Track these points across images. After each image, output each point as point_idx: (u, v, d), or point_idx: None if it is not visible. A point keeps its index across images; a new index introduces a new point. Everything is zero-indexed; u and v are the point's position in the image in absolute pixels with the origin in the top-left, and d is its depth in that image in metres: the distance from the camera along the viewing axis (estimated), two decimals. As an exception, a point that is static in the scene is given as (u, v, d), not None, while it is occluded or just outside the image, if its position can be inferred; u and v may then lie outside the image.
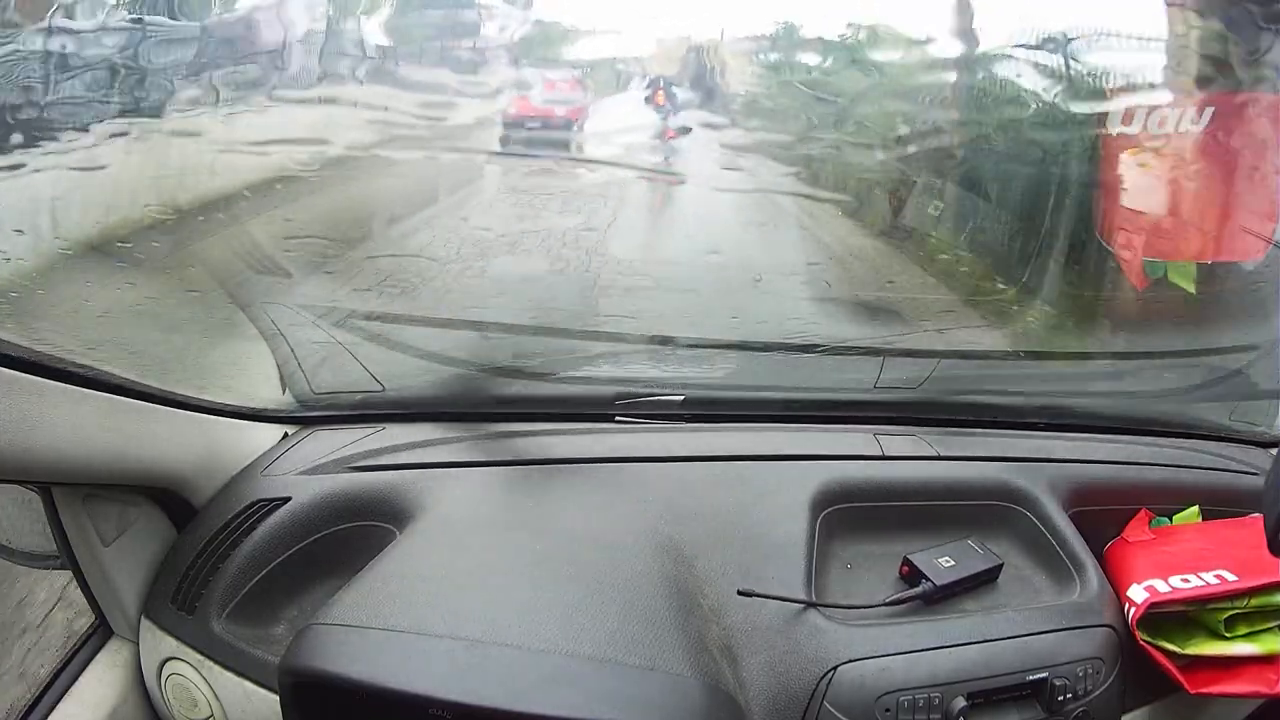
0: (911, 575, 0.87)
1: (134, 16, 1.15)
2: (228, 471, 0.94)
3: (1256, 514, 0.67)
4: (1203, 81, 1.31)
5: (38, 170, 1.02)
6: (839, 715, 0.75)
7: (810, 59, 1.39)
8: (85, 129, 1.09)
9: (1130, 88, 1.38)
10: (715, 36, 1.42)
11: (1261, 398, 1.22)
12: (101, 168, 1.10)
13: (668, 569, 0.82)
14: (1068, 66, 1.39)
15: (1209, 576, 0.84)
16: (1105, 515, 0.99)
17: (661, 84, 1.46)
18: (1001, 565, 0.89)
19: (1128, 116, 1.36)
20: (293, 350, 1.07)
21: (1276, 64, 1.24)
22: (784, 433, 1.08)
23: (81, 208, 1.07)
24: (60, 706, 0.84)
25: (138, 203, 1.11)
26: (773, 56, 1.43)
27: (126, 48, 1.12)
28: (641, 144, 1.51)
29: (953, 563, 0.87)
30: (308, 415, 1.05)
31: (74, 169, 1.07)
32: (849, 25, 1.33)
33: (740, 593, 0.79)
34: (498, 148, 1.53)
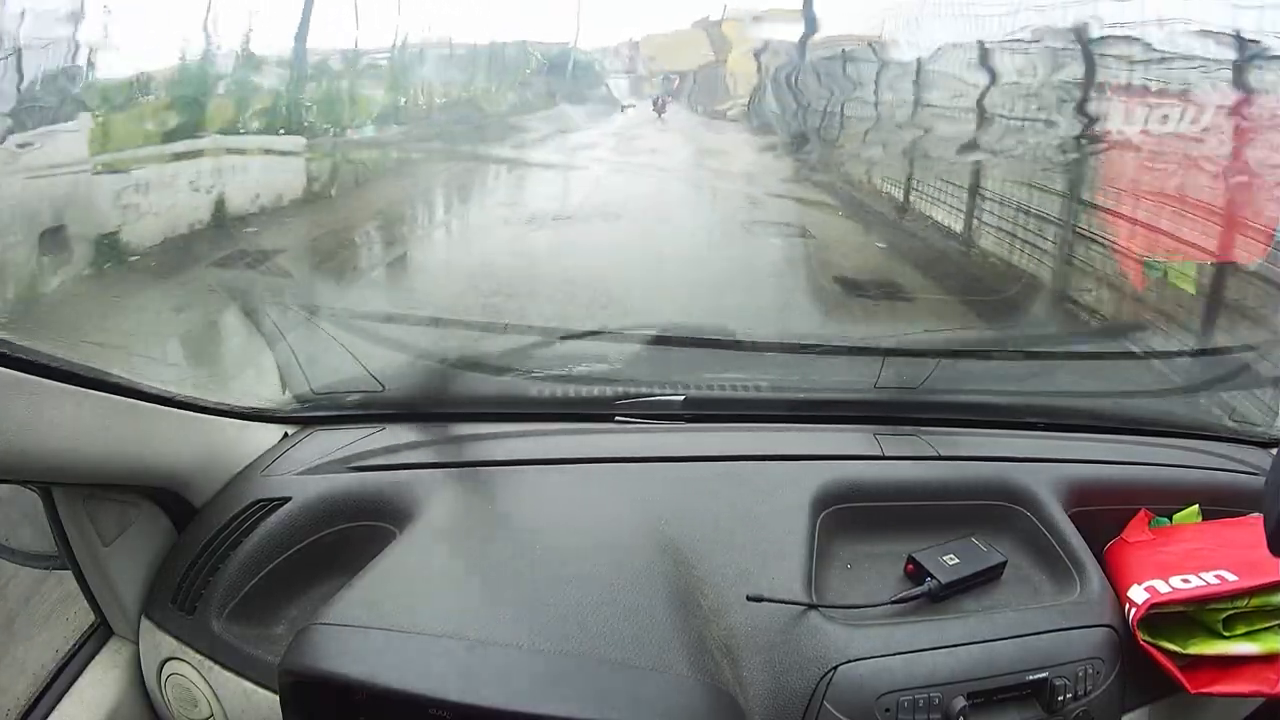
0: (916, 573, 0.87)
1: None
2: (228, 471, 0.94)
3: (1256, 514, 0.67)
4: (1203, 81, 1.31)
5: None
6: (839, 715, 0.74)
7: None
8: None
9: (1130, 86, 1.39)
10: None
11: (1261, 398, 1.22)
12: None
13: (668, 569, 0.82)
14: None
15: (1209, 577, 0.84)
16: (1105, 515, 0.98)
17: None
18: (1006, 562, 0.89)
19: (1128, 116, 1.36)
20: (293, 350, 1.07)
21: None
22: (784, 433, 1.08)
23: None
24: (60, 706, 0.84)
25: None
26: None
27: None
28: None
29: (957, 560, 0.87)
30: (308, 415, 1.05)
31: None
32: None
33: (749, 598, 0.79)
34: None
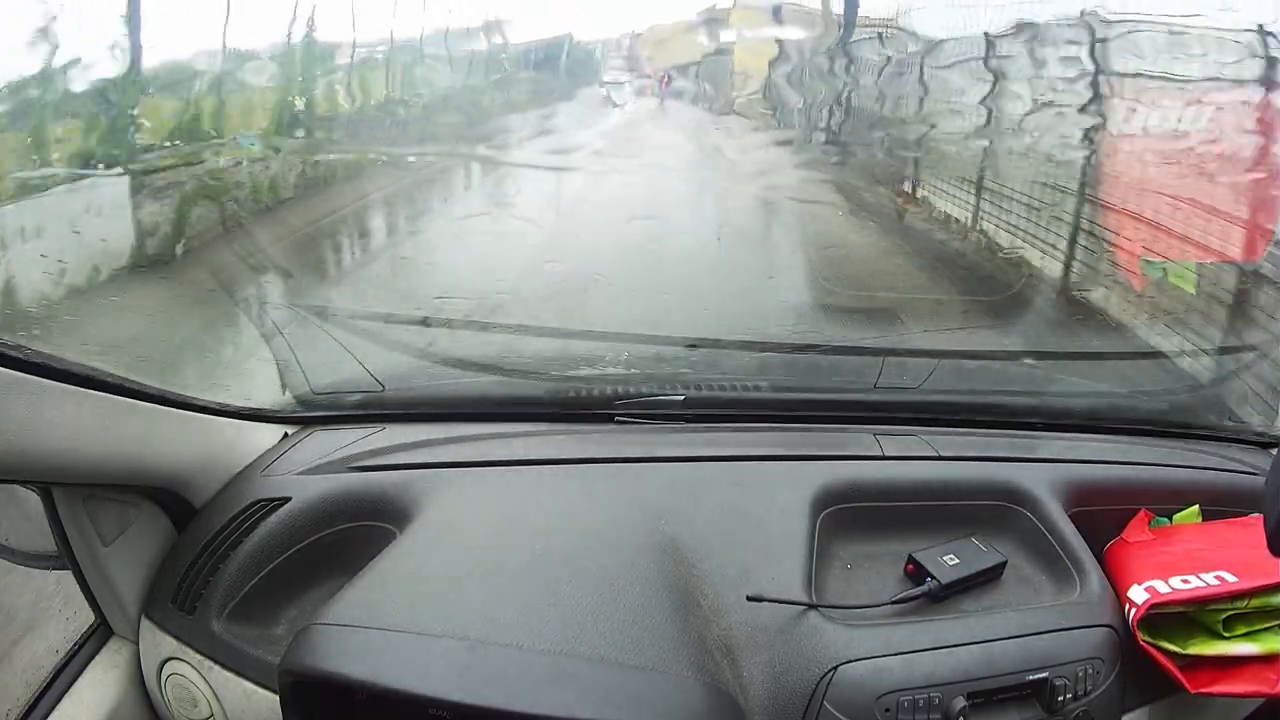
0: (916, 573, 0.87)
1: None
2: (228, 471, 0.94)
3: (1256, 514, 0.67)
4: (1204, 81, 1.31)
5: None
6: (839, 715, 0.74)
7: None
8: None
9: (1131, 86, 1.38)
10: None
11: (1261, 398, 1.22)
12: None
13: (668, 569, 0.82)
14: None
15: (1209, 577, 0.84)
16: (1105, 515, 0.98)
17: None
18: (1005, 562, 0.89)
19: (1128, 116, 1.36)
20: (293, 350, 1.07)
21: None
22: (784, 433, 1.08)
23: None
24: (60, 706, 0.84)
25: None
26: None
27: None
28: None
29: (957, 560, 0.87)
30: (308, 415, 1.05)
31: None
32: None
33: (750, 598, 0.79)
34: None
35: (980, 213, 2.05)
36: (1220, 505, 1.00)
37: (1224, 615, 0.83)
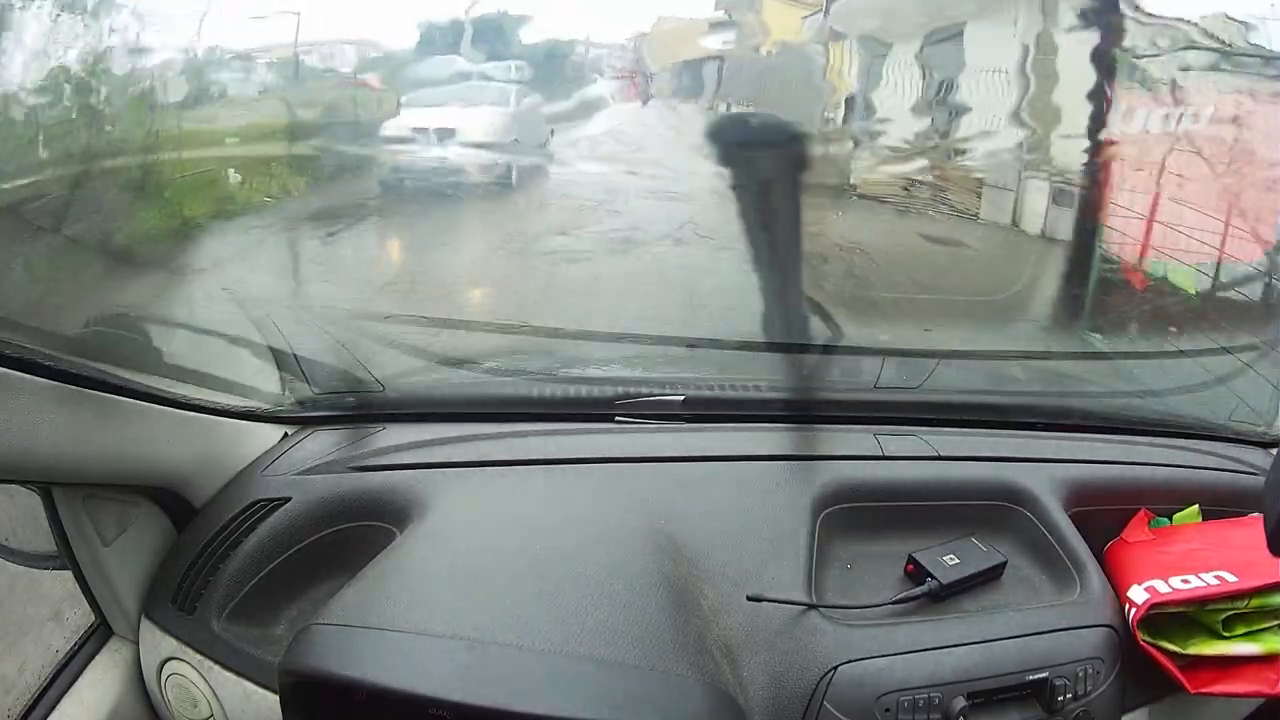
0: (916, 573, 0.87)
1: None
2: (228, 471, 0.94)
3: (1256, 514, 0.67)
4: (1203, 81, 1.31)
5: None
6: (839, 715, 0.75)
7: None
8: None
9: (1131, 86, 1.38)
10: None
11: (1261, 398, 1.22)
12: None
13: (668, 569, 0.82)
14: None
15: (1209, 577, 0.84)
16: (1105, 515, 0.98)
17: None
18: (1005, 562, 0.89)
19: (1128, 115, 1.36)
20: (293, 350, 1.07)
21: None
22: (784, 433, 1.08)
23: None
24: (60, 706, 0.84)
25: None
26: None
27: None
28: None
29: (957, 561, 0.87)
30: (308, 415, 1.05)
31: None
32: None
33: (750, 598, 0.79)
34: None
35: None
36: (1220, 505, 1.00)
37: (1224, 615, 0.83)
